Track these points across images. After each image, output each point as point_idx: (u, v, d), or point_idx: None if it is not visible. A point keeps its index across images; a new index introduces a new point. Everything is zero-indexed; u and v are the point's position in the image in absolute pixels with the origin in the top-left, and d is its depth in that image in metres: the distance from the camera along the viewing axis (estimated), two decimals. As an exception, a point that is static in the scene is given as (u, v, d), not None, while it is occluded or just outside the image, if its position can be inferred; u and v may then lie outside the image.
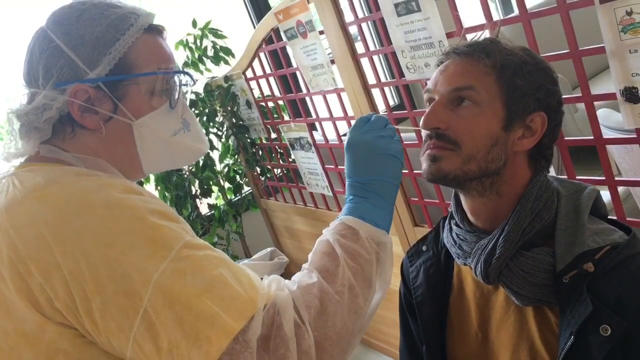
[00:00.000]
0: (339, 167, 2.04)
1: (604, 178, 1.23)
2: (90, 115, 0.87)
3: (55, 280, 0.73)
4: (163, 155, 0.95)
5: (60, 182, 0.80)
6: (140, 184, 2.41)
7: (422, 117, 0.91)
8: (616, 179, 1.24)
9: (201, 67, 2.49)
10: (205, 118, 2.46)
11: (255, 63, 2.28)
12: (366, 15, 3.31)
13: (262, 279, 0.85)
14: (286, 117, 2.36)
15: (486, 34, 1.05)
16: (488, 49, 0.90)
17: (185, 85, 0.98)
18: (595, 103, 1.20)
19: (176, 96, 0.94)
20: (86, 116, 0.87)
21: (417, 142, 1.65)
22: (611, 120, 1.65)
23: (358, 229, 0.88)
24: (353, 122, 1.83)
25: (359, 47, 1.75)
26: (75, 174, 0.83)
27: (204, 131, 1.03)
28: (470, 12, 1.81)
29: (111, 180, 0.83)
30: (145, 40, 0.90)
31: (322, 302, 0.80)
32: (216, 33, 2.46)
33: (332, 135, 2.05)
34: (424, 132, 0.92)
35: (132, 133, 0.90)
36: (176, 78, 0.94)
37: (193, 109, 2.42)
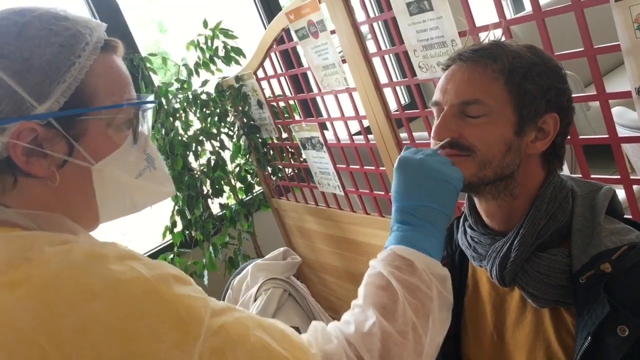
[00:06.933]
0: (350, 166, 2.04)
1: (618, 177, 1.22)
2: (38, 160, 0.68)
3: None
4: (124, 201, 0.78)
5: (32, 260, 0.61)
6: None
7: (433, 129, 0.90)
8: (631, 177, 1.23)
9: (212, 67, 2.49)
10: (216, 118, 2.46)
11: (266, 63, 2.28)
12: (377, 14, 3.31)
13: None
14: (297, 117, 2.36)
15: (498, 33, 1.04)
16: (495, 53, 0.88)
17: (146, 111, 0.80)
18: (609, 101, 1.19)
19: (139, 128, 0.77)
20: (33, 161, 0.68)
21: (429, 141, 1.64)
22: (626, 118, 1.64)
23: (413, 259, 0.78)
24: (365, 121, 1.84)
25: (371, 47, 1.75)
26: (47, 244, 0.64)
27: (166, 168, 0.86)
28: (483, 11, 1.80)
29: (98, 248, 0.66)
30: (103, 61, 0.72)
31: (384, 344, 0.72)
32: (227, 33, 2.46)
33: (343, 135, 2.05)
34: (434, 143, 0.91)
35: (91, 178, 0.72)
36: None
37: (204, 110, 2.43)
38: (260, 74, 2.35)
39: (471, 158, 0.87)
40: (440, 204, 0.83)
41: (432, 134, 0.91)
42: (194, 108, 2.43)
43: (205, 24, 2.45)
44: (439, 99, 0.92)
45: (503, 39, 1.07)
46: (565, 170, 1.01)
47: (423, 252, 0.79)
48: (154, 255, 2.60)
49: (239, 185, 2.64)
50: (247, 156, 2.64)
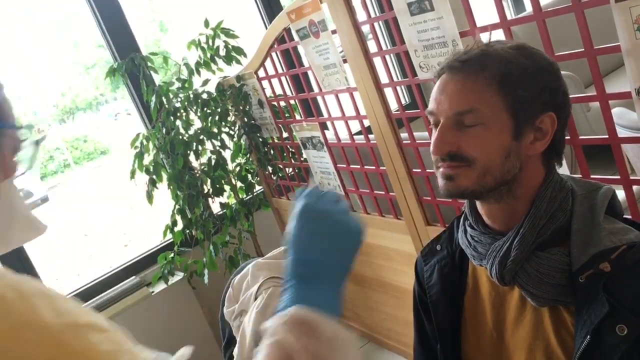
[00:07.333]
0: (351, 166, 2.05)
1: (618, 177, 1.23)
2: None
3: None
4: (10, 231, 0.72)
5: None
6: (153, 182, 2.43)
7: (432, 144, 0.91)
8: (631, 177, 1.23)
9: (213, 66, 2.49)
10: (217, 117, 2.47)
11: (267, 62, 2.29)
12: (378, 14, 3.31)
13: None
14: (298, 117, 2.37)
15: (485, 37, 1.04)
16: (483, 62, 0.88)
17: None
18: (609, 102, 1.19)
19: (32, 157, 0.74)
20: None
21: (429, 141, 1.64)
22: (626, 119, 1.64)
23: (317, 324, 0.68)
24: (365, 121, 1.85)
25: (371, 46, 1.75)
26: None
27: None
28: (484, 11, 1.81)
29: None
30: None
31: None
32: (228, 33, 2.47)
33: (344, 135, 2.06)
34: (435, 158, 0.92)
35: None
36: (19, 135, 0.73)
37: (205, 109, 2.44)
38: (261, 73, 2.35)
39: (471, 168, 0.88)
40: (343, 257, 0.75)
41: (431, 150, 0.91)
42: (194, 107, 2.43)
43: (206, 24, 2.45)
44: (433, 108, 0.93)
45: (502, 37, 1.08)
46: (565, 171, 1.02)
47: (326, 311, 0.70)
48: (155, 254, 2.60)
49: (239, 184, 2.65)
50: (248, 155, 2.64)
